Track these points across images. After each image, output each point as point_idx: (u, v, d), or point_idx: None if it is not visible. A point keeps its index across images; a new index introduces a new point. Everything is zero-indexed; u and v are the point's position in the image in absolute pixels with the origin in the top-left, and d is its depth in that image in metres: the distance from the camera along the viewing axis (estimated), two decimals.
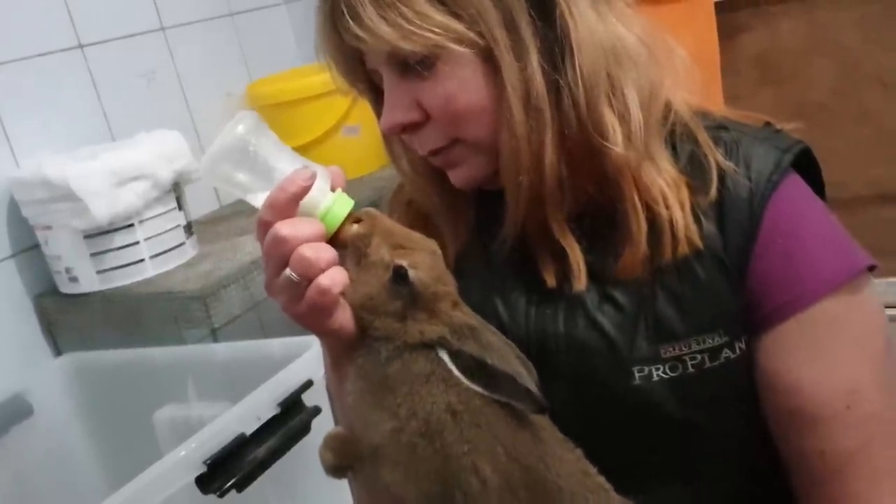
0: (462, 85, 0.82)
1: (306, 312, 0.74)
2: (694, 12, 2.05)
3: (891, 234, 2.17)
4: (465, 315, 0.75)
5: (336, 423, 0.93)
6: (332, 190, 0.77)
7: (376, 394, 0.74)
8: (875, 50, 2.19)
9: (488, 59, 0.81)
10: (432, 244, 0.77)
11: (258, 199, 0.76)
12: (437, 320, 0.74)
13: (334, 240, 0.76)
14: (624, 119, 0.82)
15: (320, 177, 0.76)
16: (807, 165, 0.88)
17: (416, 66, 0.82)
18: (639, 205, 0.83)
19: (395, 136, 0.90)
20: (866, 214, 2.24)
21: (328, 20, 0.83)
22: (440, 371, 0.73)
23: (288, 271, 0.72)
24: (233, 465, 1.15)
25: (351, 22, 0.80)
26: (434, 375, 0.73)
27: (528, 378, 0.71)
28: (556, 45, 0.81)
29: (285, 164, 0.76)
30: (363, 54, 0.85)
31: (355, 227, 0.76)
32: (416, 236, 0.77)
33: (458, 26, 0.79)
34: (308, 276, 0.72)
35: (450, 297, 0.75)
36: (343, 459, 0.77)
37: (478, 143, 0.85)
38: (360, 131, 2.08)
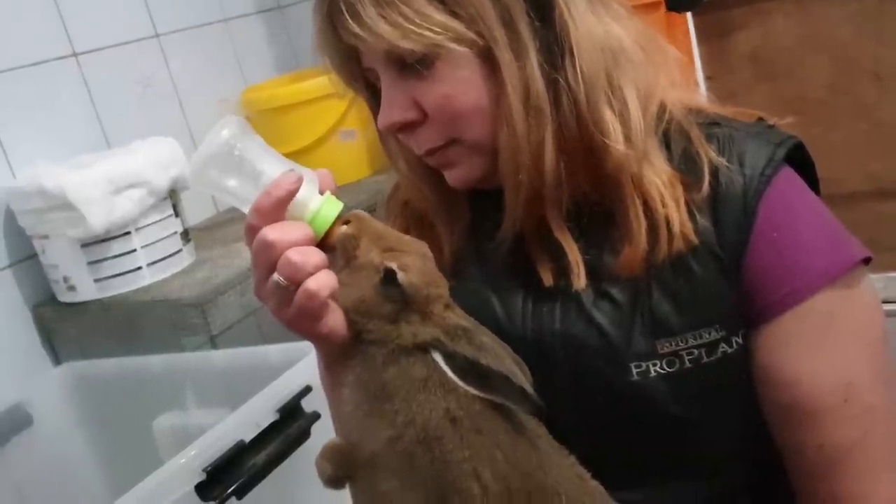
0: (460, 84, 0.82)
1: (295, 317, 0.73)
2: (670, 22, 2.08)
3: (889, 228, 2.16)
4: (458, 317, 0.75)
5: (335, 427, 0.93)
6: (321, 193, 0.77)
7: (373, 402, 0.74)
8: (870, 44, 2.19)
9: (487, 58, 0.81)
10: (423, 246, 0.77)
11: (246, 206, 0.76)
12: (429, 322, 0.74)
13: (324, 243, 0.75)
14: (623, 118, 0.83)
15: (308, 180, 0.75)
16: (801, 160, 0.88)
17: (414, 65, 0.82)
18: (638, 203, 0.84)
19: (392, 135, 0.90)
20: (864, 209, 2.23)
21: (327, 18, 0.83)
22: (437, 376, 0.72)
23: (276, 276, 0.72)
24: (232, 472, 1.14)
25: (350, 20, 0.80)
26: (431, 380, 0.72)
27: (522, 378, 0.71)
28: (555, 46, 0.81)
29: (272, 168, 0.76)
30: (360, 53, 0.85)
31: (344, 229, 0.76)
32: (406, 238, 0.77)
33: (457, 26, 0.79)
34: (295, 280, 0.72)
35: (442, 299, 0.75)
36: (341, 470, 0.76)
37: (475, 144, 0.85)
38: (357, 135, 2.08)
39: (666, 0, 1.97)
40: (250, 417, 1.20)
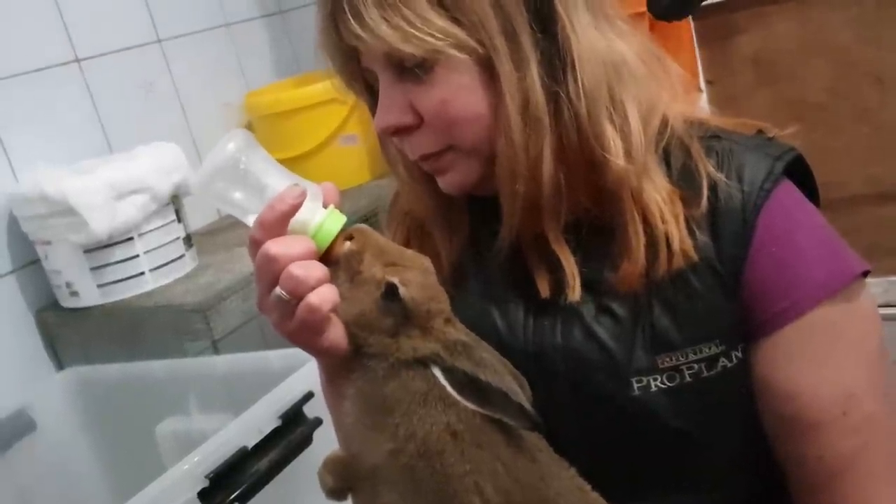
0: (458, 91, 0.82)
1: (297, 330, 0.74)
2: (670, 33, 2.08)
3: (890, 232, 2.17)
4: (458, 332, 0.75)
5: (337, 438, 0.94)
6: (325, 206, 0.77)
7: (374, 415, 0.74)
8: (870, 48, 2.19)
9: (487, 67, 0.81)
10: (425, 261, 0.77)
11: (251, 218, 0.76)
12: (430, 337, 0.74)
13: (326, 257, 0.76)
14: (624, 133, 0.82)
15: (312, 194, 0.76)
16: (800, 172, 0.88)
17: (413, 69, 0.82)
18: (637, 218, 0.84)
19: (391, 141, 0.90)
20: (865, 213, 2.23)
21: (329, 17, 0.83)
22: (437, 390, 0.73)
23: (278, 290, 0.73)
24: (235, 478, 1.15)
25: (352, 20, 0.80)
26: (431, 394, 0.73)
27: (521, 394, 0.71)
28: (556, 59, 0.81)
29: (277, 181, 0.77)
30: (360, 53, 0.85)
31: (347, 244, 0.76)
32: (409, 254, 0.77)
33: (458, 32, 0.79)
34: (297, 294, 0.72)
35: (443, 314, 0.75)
36: (343, 482, 0.77)
37: (470, 150, 0.85)
38: (358, 140, 2.08)
39: (650, 9, 1.95)
40: (253, 423, 1.20)
